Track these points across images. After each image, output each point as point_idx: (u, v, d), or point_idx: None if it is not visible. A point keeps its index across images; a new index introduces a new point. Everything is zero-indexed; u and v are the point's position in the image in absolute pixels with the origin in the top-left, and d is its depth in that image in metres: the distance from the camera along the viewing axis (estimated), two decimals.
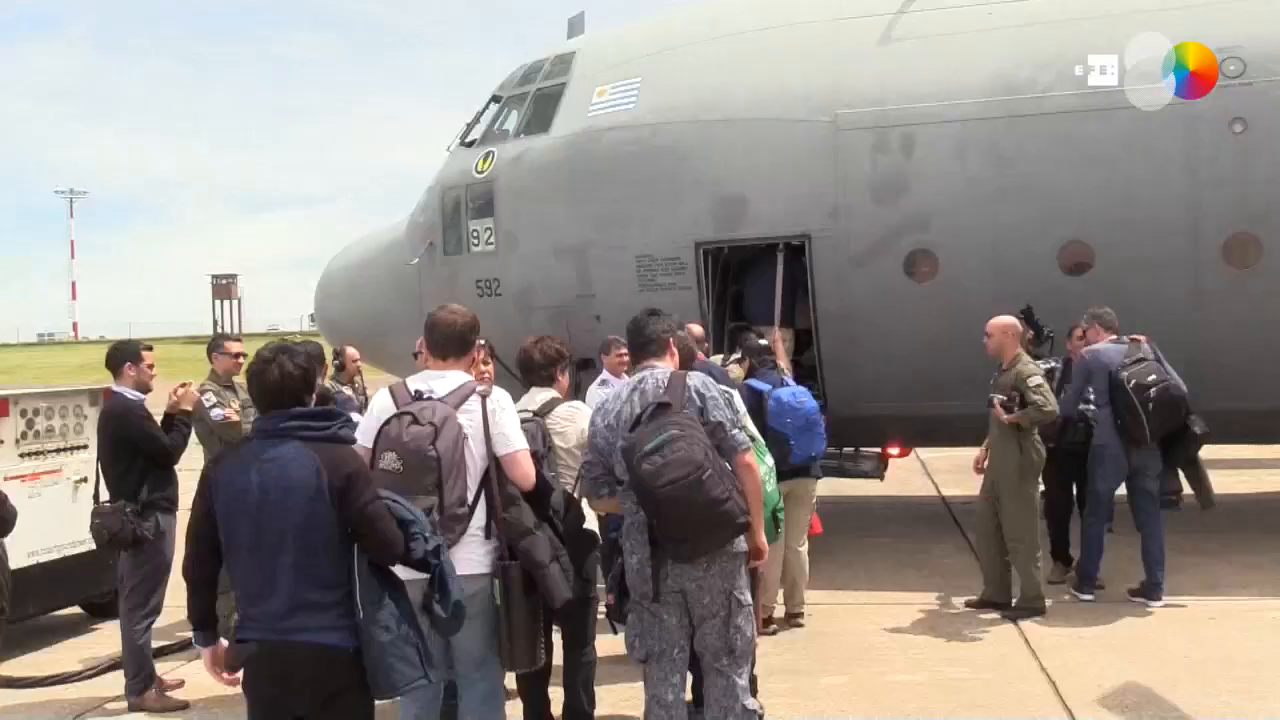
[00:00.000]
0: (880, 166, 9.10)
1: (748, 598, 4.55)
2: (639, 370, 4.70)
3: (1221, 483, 12.28)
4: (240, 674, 3.68)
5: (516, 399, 4.93)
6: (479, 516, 4.34)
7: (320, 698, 3.51)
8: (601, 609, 5.40)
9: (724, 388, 4.73)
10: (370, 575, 3.56)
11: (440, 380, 4.46)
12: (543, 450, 4.87)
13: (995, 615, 7.43)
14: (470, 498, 4.30)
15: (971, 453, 8.41)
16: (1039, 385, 7.27)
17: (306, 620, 3.48)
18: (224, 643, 3.79)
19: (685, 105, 9.67)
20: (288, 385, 3.62)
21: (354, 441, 3.81)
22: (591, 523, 5.45)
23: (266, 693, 3.59)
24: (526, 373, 5.49)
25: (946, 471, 13.80)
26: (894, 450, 10.41)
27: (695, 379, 4.55)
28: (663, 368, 4.66)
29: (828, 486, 10.64)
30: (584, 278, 9.94)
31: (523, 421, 4.82)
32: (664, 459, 4.17)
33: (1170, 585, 7.83)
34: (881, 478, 10.66)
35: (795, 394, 7.14)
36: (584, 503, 5.22)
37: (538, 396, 5.38)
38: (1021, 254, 8.86)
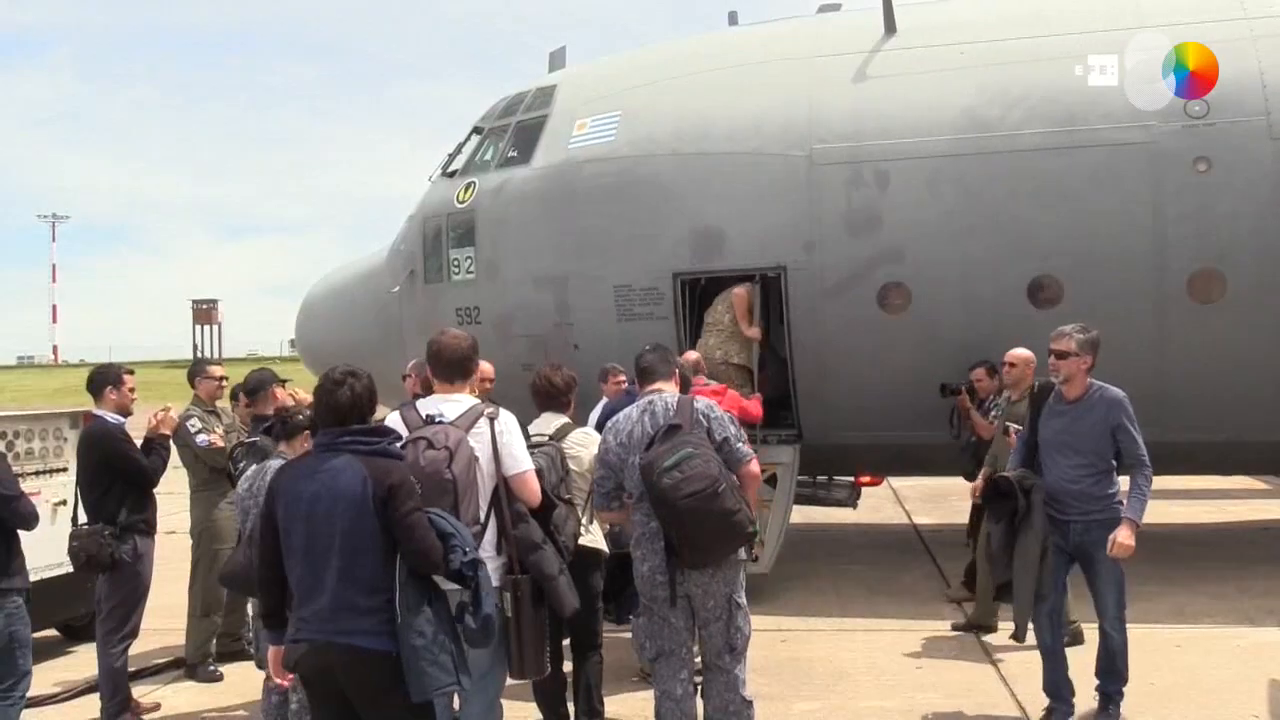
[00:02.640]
0: (854, 200, 9.27)
1: (744, 600, 4.97)
2: (646, 394, 5.12)
3: (1186, 513, 12.59)
4: (286, 673, 4.00)
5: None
6: (490, 533, 4.56)
7: (363, 697, 3.77)
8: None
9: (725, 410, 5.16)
10: (410, 583, 3.79)
11: (450, 404, 4.66)
12: (561, 473, 5.18)
13: (968, 642, 7.54)
14: (482, 516, 4.52)
15: (941, 482, 8.55)
16: None
17: (349, 624, 3.74)
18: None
19: (664, 139, 9.83)
20: (358, 404, 3.97)
21: (403, 457, 4.08)
22: (596, 539, 5.73)
23: (319, 690, 3.87)
24: (548, 398, 5.73)
25: (918, 499, 13.96)
26: (866, 479, 10.54)
27: (701, 403, 5.01)
28: (669, 391, 5.11)
29: (802, 514, 10.77)
30: (563, 307, 10.05)
31: (540, 446, 5.17)
32: (683, 474, 4.62)
33: (1137, 613, 7.88)
34: (854, 506, 10.79)
35: None
36: (589, 520, 5.55)
37: (553, 422, 5.62)
38: (991, 287, 9.04)
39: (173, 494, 7.52)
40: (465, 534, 3.99)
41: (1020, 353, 7.73)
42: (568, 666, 5.86)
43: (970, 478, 8.25)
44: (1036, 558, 5.71)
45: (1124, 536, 5.60)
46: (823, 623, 8.24)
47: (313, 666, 3.81)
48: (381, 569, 3.77)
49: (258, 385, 7.17)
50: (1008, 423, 7.51)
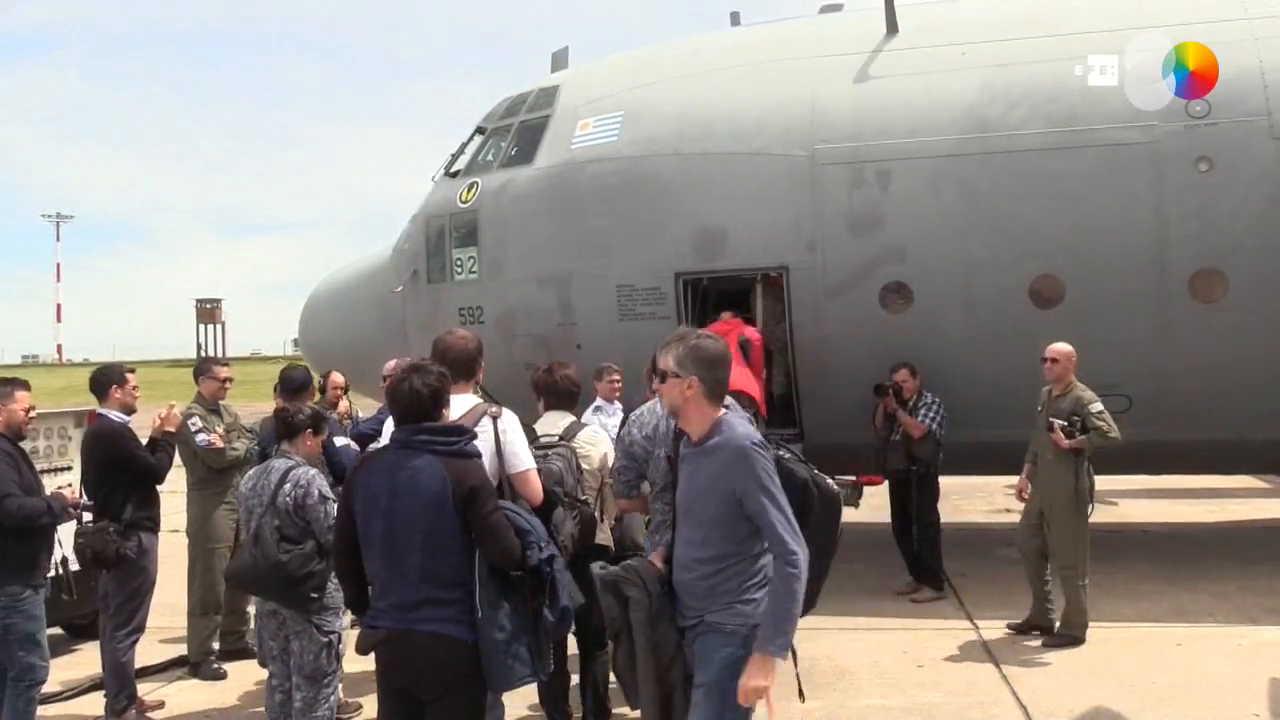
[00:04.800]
0: (856, 200, 9.29)
1: None
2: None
3: (1187, 512, 12.59)
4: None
5: None
6: None
7: (441, 684, 3.81)
8: None
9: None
10: (490, 578, 3.86)
11: (453, 403, 4.64)
12: (577, 475, 5.26)
13: (969, 641, 7.56)
14: None
15: (942, 481, 8.59)
16: (1101, 411, 7.40)
17: (430, 613, 3.79)
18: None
19: (666, 138, 9.85)
20: (417, 400, 3.96)
21: (479, 455, 4.10)
22: (604, 535, 5.76)
23: (394, 677, 3.89)
24: (566, 397, 5.73)
25: None
26: (868, 477, 10.53)
27: None
28: None
29: None
30: (565, 306, 10.07)
31: (554, 447, 5.22)
32: None
33: (1138, 612, 8.02)
34: (856, 505, 10.76)
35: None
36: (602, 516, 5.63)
37: (560, 422, 5.61)
38: (993, 287, 9.05)
39: (176, 492, 7.53)
40: (539, 528, 4.07)
41: (1060, 347, 7.68)
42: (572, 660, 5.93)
43: (886, 473, 9.10)
44: (651, 699, 3.80)
45: (755, 675, 3.58)
46: (824, 621, 8.18)
47: (392, 653, 3.86)
48: (461, 566, 3.83)
49: (302, 385, 7.36)
50: (1051, 418, 7.51)
